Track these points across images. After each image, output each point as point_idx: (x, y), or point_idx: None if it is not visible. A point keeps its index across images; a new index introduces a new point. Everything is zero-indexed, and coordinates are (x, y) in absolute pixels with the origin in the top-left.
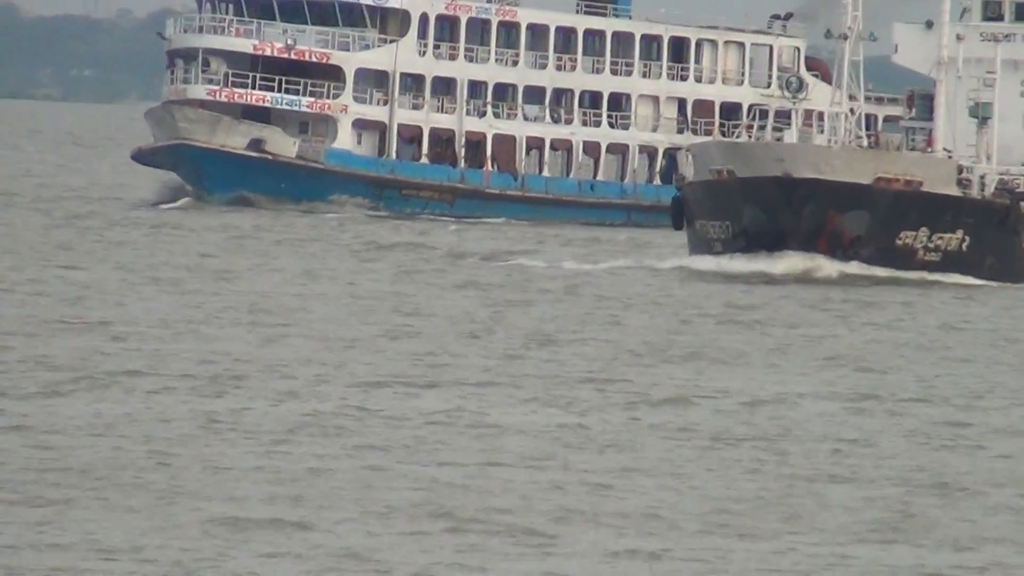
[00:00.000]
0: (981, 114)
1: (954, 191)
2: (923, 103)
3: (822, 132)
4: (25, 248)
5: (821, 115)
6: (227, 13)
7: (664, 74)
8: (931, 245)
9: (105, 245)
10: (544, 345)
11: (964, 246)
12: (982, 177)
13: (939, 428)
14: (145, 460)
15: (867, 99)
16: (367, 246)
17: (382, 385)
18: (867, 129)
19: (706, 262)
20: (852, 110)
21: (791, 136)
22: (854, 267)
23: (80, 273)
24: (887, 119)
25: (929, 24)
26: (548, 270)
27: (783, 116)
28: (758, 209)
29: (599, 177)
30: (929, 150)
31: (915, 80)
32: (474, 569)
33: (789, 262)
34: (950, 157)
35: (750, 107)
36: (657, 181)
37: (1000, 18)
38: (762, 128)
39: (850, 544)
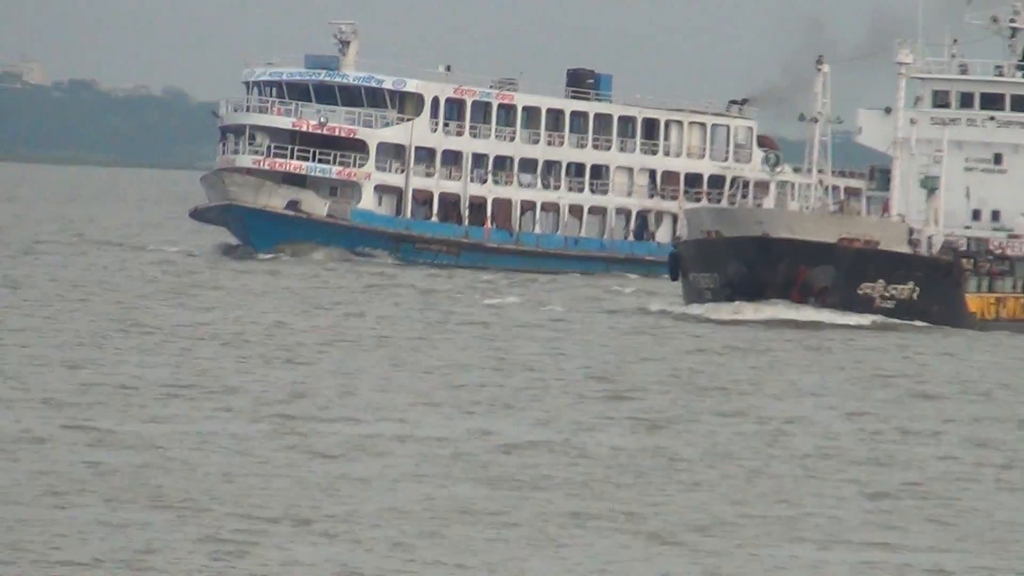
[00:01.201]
0: (930, 186)
1: (906, 249)
2: (882, 176)
3: (739, 201)
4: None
5: (766, 184)
6: (270, 96)
7: (638, 149)
8: (887, 294)
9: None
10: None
11: (915, 295)
12: (930, 238)
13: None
14: None
15: (833, 173)
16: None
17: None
18: (834, 197)
19: (699, 309)
20: (821, 181)
21: (769, 202)
22: (823, 315)
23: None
24: (847, 190)
25: (887, 110)
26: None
27: (744, 185)
28: (741, 264)
29: (582, 234)
30: (886, 215)
31: (875, 157)
32: None
33: (772, 310)
34: (903, 221)
35: (722, 177)
36: (631, 238)
37: (947, 105)
38: (744, 196)
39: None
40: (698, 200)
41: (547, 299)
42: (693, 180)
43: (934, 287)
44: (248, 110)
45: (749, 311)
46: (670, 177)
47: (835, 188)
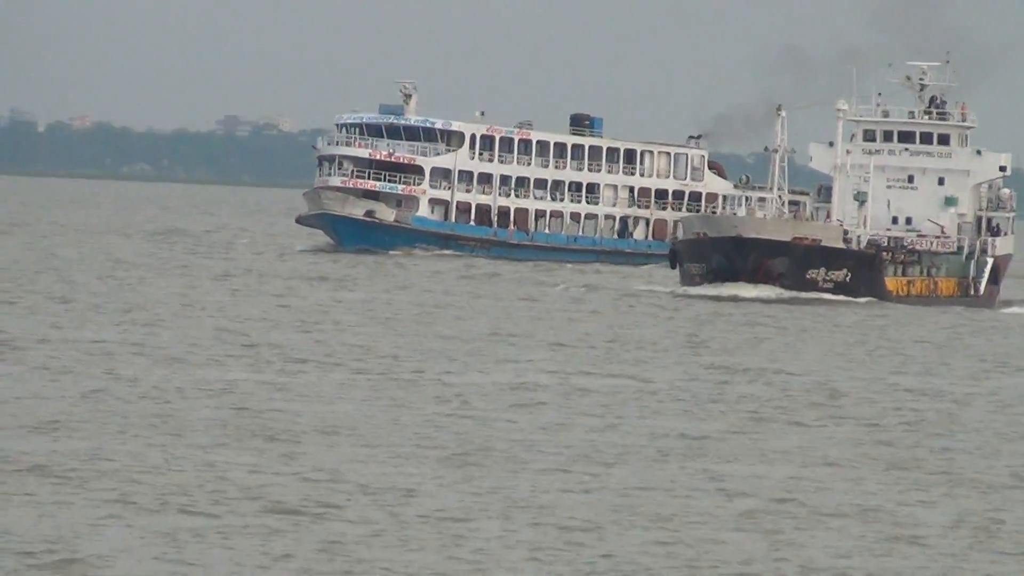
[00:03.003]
0: (860, 199)
1: (841, 245)
2: (825, 192)
3: (723, 209)
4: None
5: (716, 196)
6: (354, 134)
7: (621, 171)
8: (827, 278)
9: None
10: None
11: (847, 279)
12: (859, 237)
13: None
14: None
15: (789, 191)
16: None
17: None
18: (789, 208)
19: (693, 290)
20: (779, 196)
21: (742, 212)
22: (781, 293)
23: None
24: (793, 202)
25: (830, 143)
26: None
27: (699, 198)
28: (721, 256)
29: (580, 233)
30: (827, 220)
31: (821, 178)
32: None
33: (743, 290)
34: (840, 225)
35: (682, 192)
36: (615, 236)
37: (873, 140)
38: (724, 208)
39: None
40: (664, 208)
41: (594, 283)
42: (661, 194)
43: (861, 273)
44: (338, 144)
45: (727, 291)
46: (644, 192)
47: (792, 203)
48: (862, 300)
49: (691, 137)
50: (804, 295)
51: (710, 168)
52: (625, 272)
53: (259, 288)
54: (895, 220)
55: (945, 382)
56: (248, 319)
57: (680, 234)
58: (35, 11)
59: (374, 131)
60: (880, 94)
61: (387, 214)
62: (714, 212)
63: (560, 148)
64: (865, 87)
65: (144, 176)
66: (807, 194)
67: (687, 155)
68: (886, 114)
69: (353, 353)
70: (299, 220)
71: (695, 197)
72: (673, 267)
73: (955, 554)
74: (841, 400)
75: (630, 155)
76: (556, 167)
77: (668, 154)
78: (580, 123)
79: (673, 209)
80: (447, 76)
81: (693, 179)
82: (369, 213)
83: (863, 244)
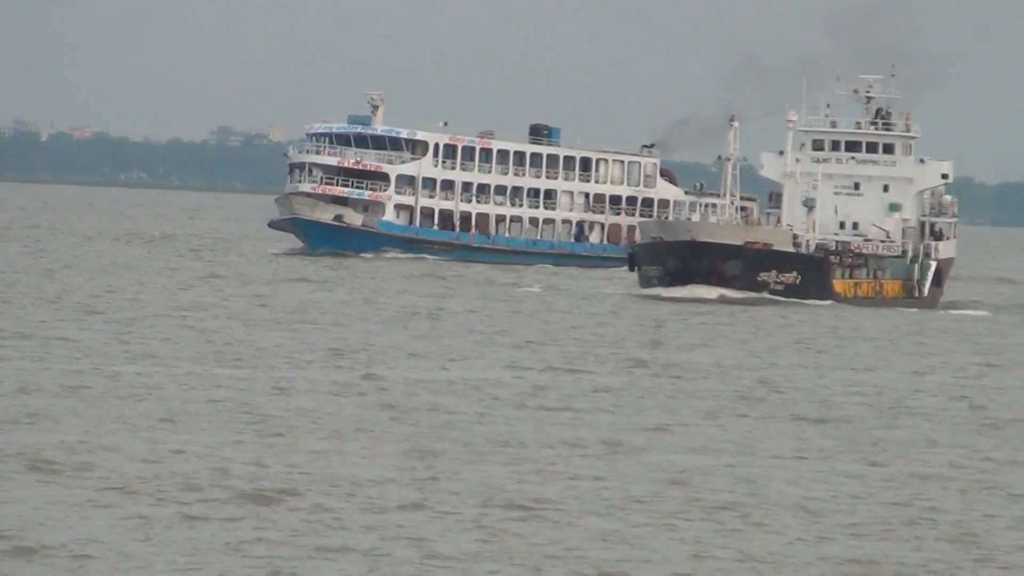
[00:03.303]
0: (809, 205)
1: (791, 249)
2: (776, 198)
3: (675, 214)
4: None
5: (668, 202)
6: (323, 143)
7: (577, 178)
8: (778, 280)
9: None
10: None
11: (797, 281)
12: (808, 241)
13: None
14: None
15: (741, 198)
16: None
17: None
18: (741, 213)
19: (650, 291)
20: (732, 202)
21: (696, 217)
22: (733, 294)
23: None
24: (742, 208)
25: (781, 152)
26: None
27: (649, 204)
28: (677, 259)
29: (539, 237)
30: (778, 225)
31: (772, 185)
32: None
33: (698, 291)
34: (790, 229)
35: (635, 198)
36: (572, 240)
37: (822, 149)
38: (675, 213)
39: None
40: (618, 214)
41: (560, 286)
42: (615, 200)
43: (810, 275)
44: (308, 152)
45: (682, 292)
46: (599, 198)
47: (741, 208)
48: (811, 301)
49: (644, 146)
50: (755, 296)
51: (662, 175)
52: (584, 275)
53: (240, 290)
54: (842, 225)
55: (888, 377)
56: (227, 317)
57: (638, 238)
58: (40, 29)
59: (342, 140)
60: (829, 105)
61: (355, 219)
62: (667, 218)
63: (520, 156)
64: (815, 98)
65: (141, 184)
66: (755, 200)
67: (640, 163)
68: (834, 125)
69: (320, 350)
70: (271, 224)
71: (647, 203)
72: (632, 270)
73: (887, 539)
74: (784, 394)
75: (586, 163)
76: (516, 174)
77: (622, 162)
78: (539, 132)
79: (627, 214)
80: (413, 86)
81: (646, 186)
82: (338, 218)
83: (812, 248)
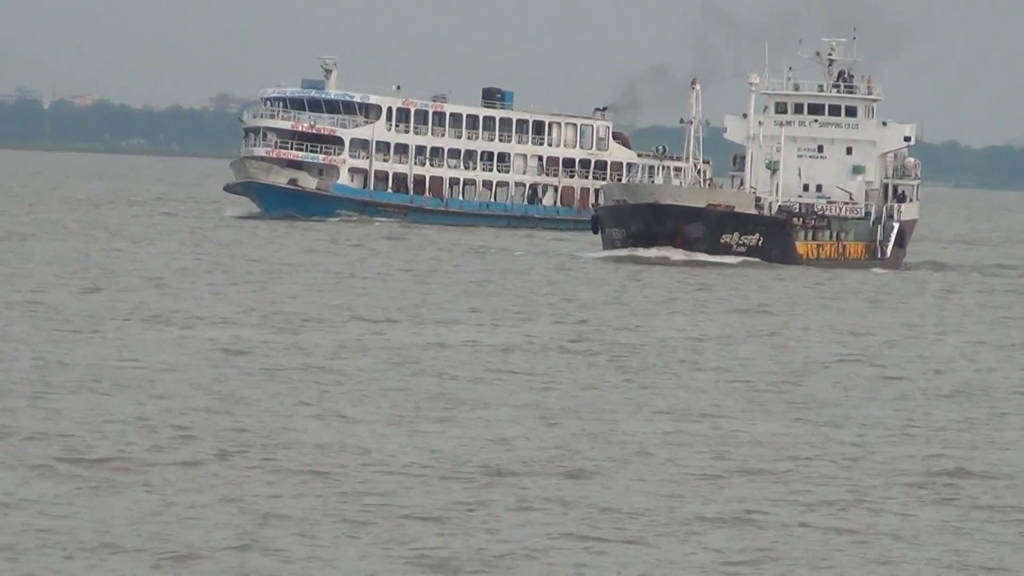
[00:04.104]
0: (772, 167)
1: (754, 211)
2: (740, 161)
3: (627, 177)
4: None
5: (621, 164)
6: (277, 107)
7: (530, 141)
8: (741, 242)
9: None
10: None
11: (760, 243)
12: (770, 204)
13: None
14: None
15: (704, 161)
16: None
17: None
18: (704, 176)
19: (613, 253)
20: (695, 166)
21: (659, 179)
22: (697, 256)
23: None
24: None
25: (744, 115)
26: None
27: (603, 167)
28: (640, 222)
29: (492, 200)
30: (741, 188)
31: (736, 148)
32: None
33: (661, 253)
34: (753, 192)
35: (588, 161)
36: (524, 202)
37: (785, 112)
38: (633, 176)
39: None
40: (571, 177)
41: (516, 247)
42: (568, 163)
43: (773, 237)
44: (263, 116)
45: (645, 254)
46: (552, 161)
47: (702, 172)
48: (773, 263)
49: (597, 109)
50: (718, 258)
51: (615, 139)
52: (543, 236)
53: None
54: (806, 187)
55: (848, 334)
56: (195, 277)
57: (601, 201)
58: None
59: (297, 104)
60: (791, 68)
61: (309, 182)
62: (630, 180)
63: (472, 120)
64: (778, 60)
65: (141, 150)
66: (708, 163)
67: (593, 126)
68: (797, 87)
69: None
70: (227, 188)
71: (600, 166)
72: (595, 232)
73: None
74: (743, 352)
75: (539, 126)
76: (469, 138)
77: (575, 125)
78: (492, 96)
79: (580, 177)
80: (366, 50)
81: (598, 149)
82: (292, 181)
83: (775, 210)
